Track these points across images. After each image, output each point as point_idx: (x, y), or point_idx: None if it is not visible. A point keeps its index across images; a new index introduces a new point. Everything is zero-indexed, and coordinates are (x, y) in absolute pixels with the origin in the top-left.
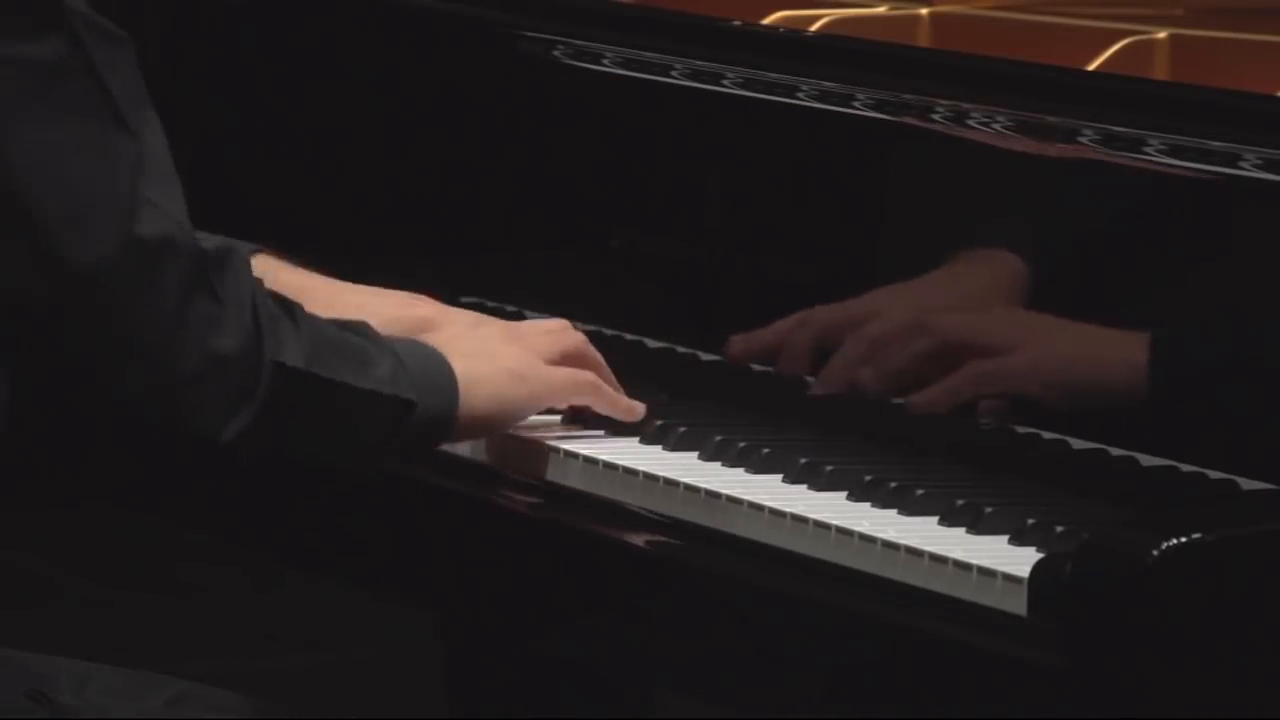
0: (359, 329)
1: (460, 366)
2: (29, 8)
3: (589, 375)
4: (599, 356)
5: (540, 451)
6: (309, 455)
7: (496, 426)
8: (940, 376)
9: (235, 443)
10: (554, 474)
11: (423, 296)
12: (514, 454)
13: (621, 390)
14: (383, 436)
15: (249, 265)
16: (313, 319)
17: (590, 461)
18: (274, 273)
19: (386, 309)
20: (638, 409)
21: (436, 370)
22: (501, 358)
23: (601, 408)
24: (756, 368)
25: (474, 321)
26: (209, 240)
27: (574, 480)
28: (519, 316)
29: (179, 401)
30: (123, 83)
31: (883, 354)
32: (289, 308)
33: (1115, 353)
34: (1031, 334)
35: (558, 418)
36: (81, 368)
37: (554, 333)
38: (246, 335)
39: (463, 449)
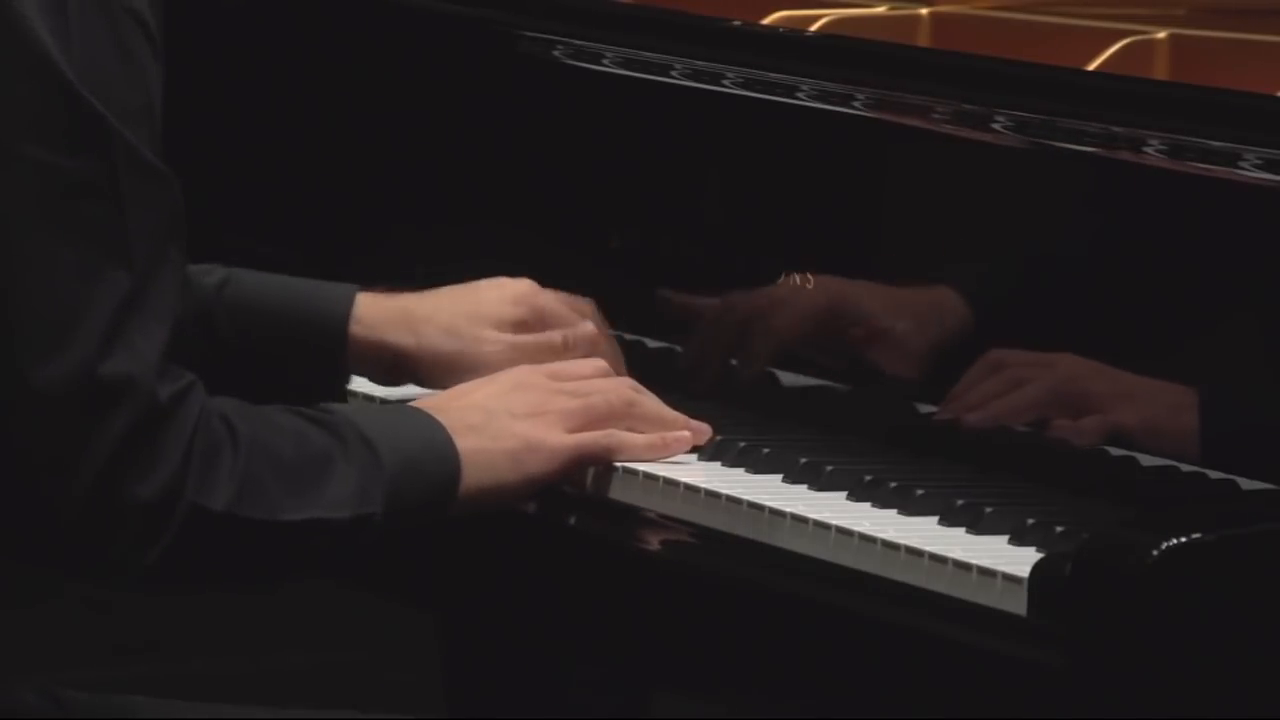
0: (330, 425)
1: (461, 445)
2: (78, 123)
3: (601, 439)
4: (653, 408)
5: None
6: (259, 578)
7: (487, 508)
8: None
9: (151, 572)
10: None
11: (522, 287)
12: None
13: (682, 426)
14: (344, 548)
15: (199, 403)
16: (265, 444)
17: None
18: (374, 304)
19: (497, 305)
20: (671, 443)
21: (429, 458)
22: (506, 437)
23: (627, 457)
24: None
25: (514, 384)
26: (174, 378)
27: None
28: None
29: (87, 531)
30: (145, 218)
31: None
32: (235, 438)
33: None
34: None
35: None
36: (16, 472)
37: (591, 397)
38: (169, 481)
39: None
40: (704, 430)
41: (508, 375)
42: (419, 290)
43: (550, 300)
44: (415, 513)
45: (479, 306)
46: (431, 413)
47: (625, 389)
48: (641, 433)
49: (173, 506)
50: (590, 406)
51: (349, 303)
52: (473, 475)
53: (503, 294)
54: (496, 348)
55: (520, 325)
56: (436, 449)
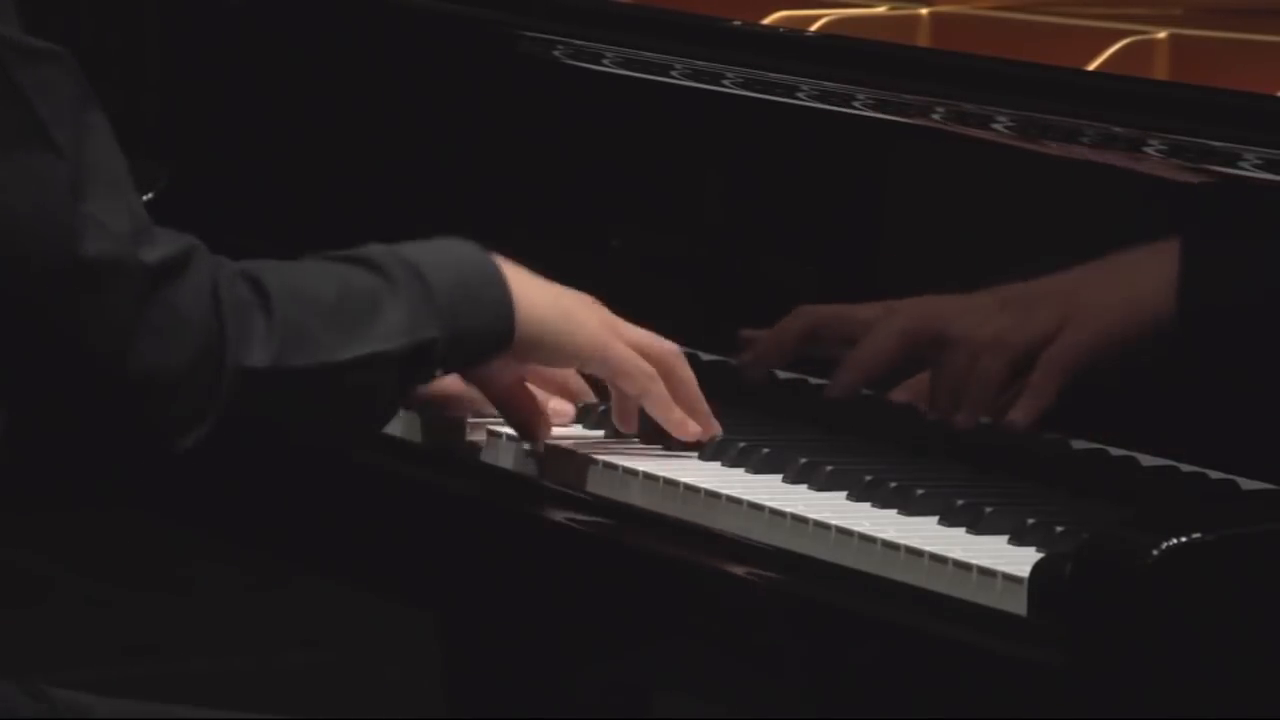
0: (372, 263)
1: (515, 284)
2: None
3: (647, 368)
4: (690, 383)
5: (527, 446)
6: (324, 429)
7: (529, 359)
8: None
9: (202, 447)
10: (544, 471)
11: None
12: (513, 453)
13: (702, 412)
14: (408, 380)
15: (208, 265)
16: (300, 290)
17: (589, 461)
18: None
19: None
20: (691, 427)
21: (481, 284)
22: (565, 298)
23: (649, 406)
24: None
25: (576, 295)
26: (166, 243)
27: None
28: None
29: (133, 413)
30: (53, 101)
31: (975, 387)
32: (264, 295)
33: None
34: (1068, 308)
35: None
36: (38, 384)
37: (646, 334)
38: (202, 345)
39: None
40: (716, 430)
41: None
42: None
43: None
44: (477, 340)
45: None
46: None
47: (678, 352)
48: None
49: (214, 372)
50: (647, 337)
51: None
52: (526, 312)
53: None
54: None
55: None
56: (486, 273)
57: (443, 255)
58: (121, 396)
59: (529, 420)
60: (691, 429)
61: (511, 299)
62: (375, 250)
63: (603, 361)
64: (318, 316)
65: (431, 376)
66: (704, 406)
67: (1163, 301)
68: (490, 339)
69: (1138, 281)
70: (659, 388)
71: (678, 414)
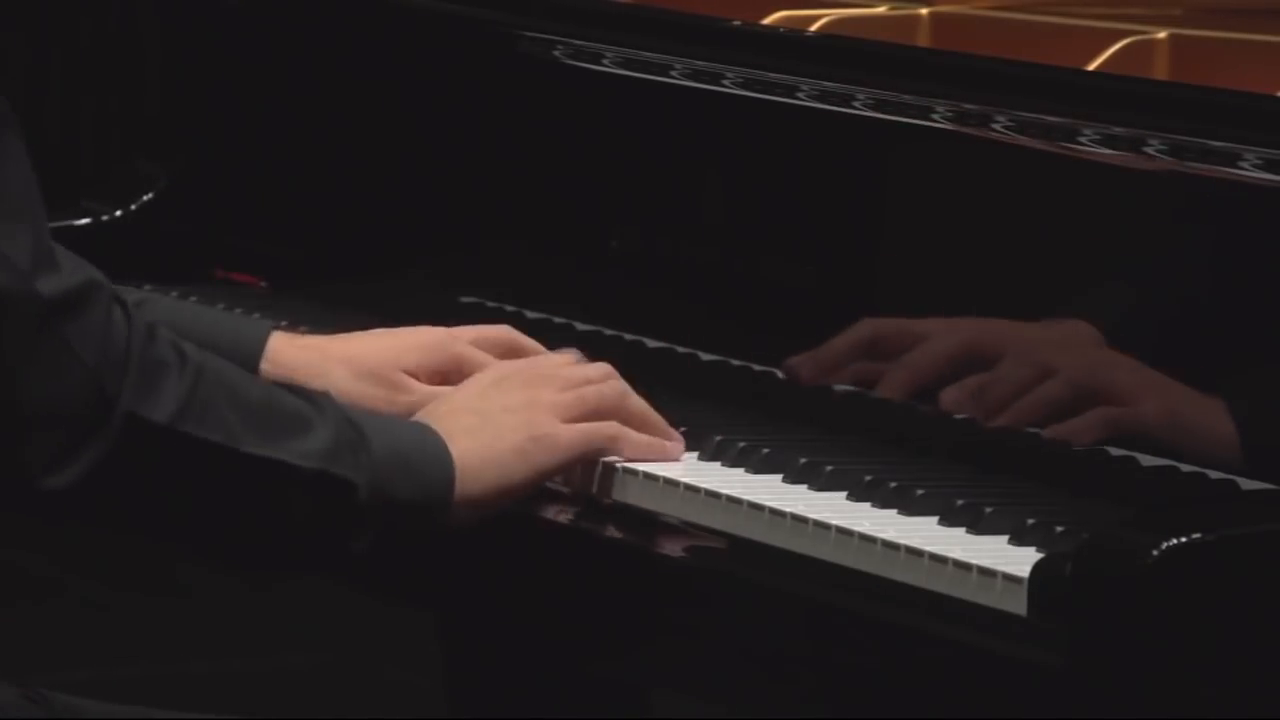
0: (312, 397)
1: (459, 448)
2: None
3: (605, 429)
4: (640, 406)
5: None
6: (201, 532)
7: (497, 509)
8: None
9: (71, 494)
10: None
11: (460, 330)
12: None
13: (665, 432)
14: (309, 519)
15: (116, 309)
16: (225, 376)
17: (589, 462)
18: (288, 344)
19: (398, 344)
20: (671, 448)
21: (422, 455)
22: (508, 432)
23: (629, 454)
24: (756, 368)
25: (495, 380)
26: (67, 275)
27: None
28: (519, 317)
29: (6, 442)
30: None
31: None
32: (184, 360)
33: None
34: (1140, 379)
35: None
36: None
37: (582, 388)
38: (90, 382)
39: None
40: (680, 444)
41: (486, 374)
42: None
43: (466, 347)
44: (409, 512)
45: (397, 354)
46: (420, 418)
47: (615, 381)
48: (631, 426)
49: (102, 413)
50: (582, 397)
51: (262, 340)
52: (481, 477)
53: (420, 340)
54: (412, 397)
55: (437, 375)
56: (429, 449)
57: (393, 425)
58: (7, 433)
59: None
60: (672, 450)
61: (453, 473)
62: (321, 393)
63: (568, 464)
64: (234, 404)
65: (362, 536)
66: (661, 421)
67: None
68: (429, 510)
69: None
70: (629, 440)
71: (655, 448)
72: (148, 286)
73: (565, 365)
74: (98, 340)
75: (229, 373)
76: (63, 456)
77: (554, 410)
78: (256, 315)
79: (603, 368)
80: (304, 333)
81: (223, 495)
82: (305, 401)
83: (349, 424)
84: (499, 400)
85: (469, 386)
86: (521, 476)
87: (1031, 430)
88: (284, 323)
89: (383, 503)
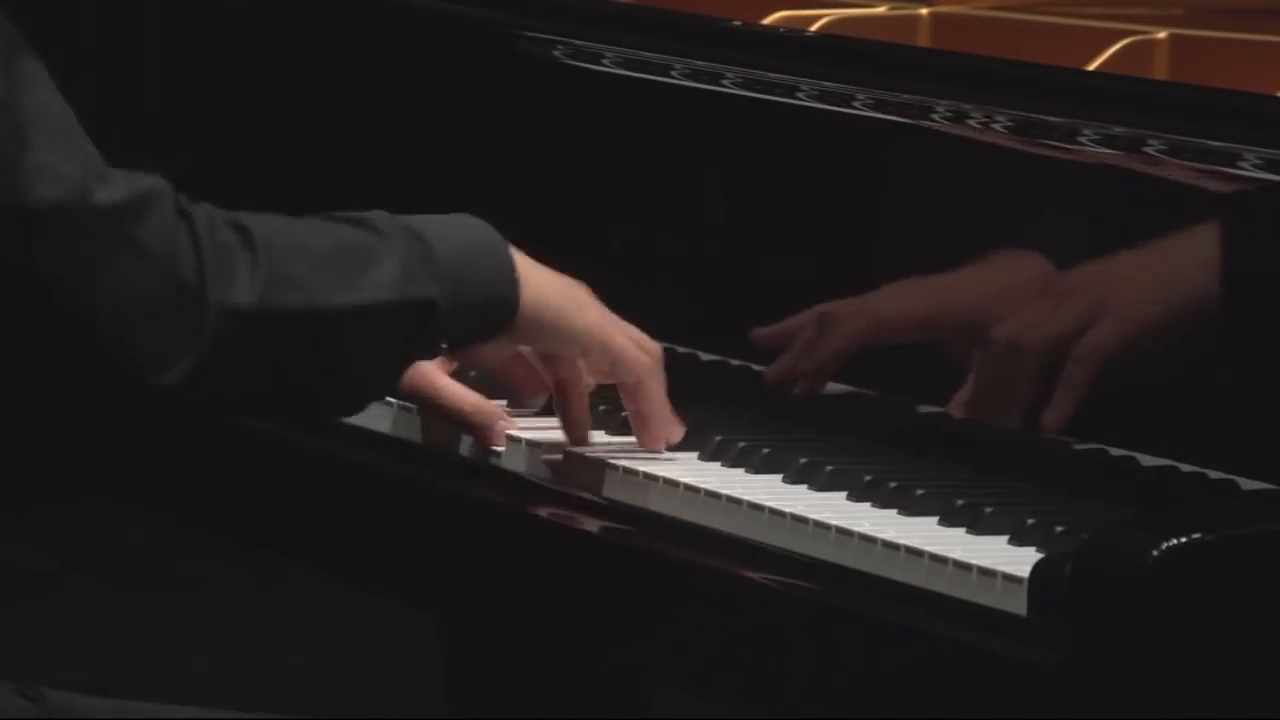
0: (367, 222)
1: (520, 261)
2: None
3: (647, 360)
4: (664, 389)
5: (526, 446)
6: (320, 384)
7: (534, 339)
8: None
9: (187, 388)
10: (543, 470)
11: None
12: (511, 453)
13: (672, 420)
14: (409, 345)
15: (172, 203)
16: (288, 236)
17: (588, 461)
18: None
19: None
20: (673, 435)
21: (487, 254)
22: (570, 285)
23: (643, 400)
24: (756, 368)
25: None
26: (123, 184)
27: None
28: None
29: (108, 351)
30: None
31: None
32: (248, 237)
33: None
34: (1099, 299)
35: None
36: (12, 332)
37: (639, 332)
38: (180, 283)
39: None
40: (678, 429)
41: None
42: None
43: (627, 341)
44: (481, 310)
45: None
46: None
47: (656, 365)
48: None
49: (195, 309)
50: (641, 339)
51: None
52: (530, 291)
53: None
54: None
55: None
56: (490, 244)
57: (447, 225)
58: (93, 336)
59: (525, 387)
60: (674, 436)
61: (516, 272)
62: (376, 214)
63: (604, 348)
64: (306, 262)
65: (436, 348)
66: (673, 413)
67: (1189, 295)
68: (494, 310)
69: (1164, 273)
70: (654, 383)
71: (666, 412)
72: None
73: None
74: (167, 240)
75: (289, 230)
76: (169, 354)
77: (616, 323)
78: None
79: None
80: None
81: (319, 349)
82: (366, 231)
83: (413, 237)
84: (577, 284)
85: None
86: (570, 317)
87: (1031, 431)
88: None
89: (458, 304)
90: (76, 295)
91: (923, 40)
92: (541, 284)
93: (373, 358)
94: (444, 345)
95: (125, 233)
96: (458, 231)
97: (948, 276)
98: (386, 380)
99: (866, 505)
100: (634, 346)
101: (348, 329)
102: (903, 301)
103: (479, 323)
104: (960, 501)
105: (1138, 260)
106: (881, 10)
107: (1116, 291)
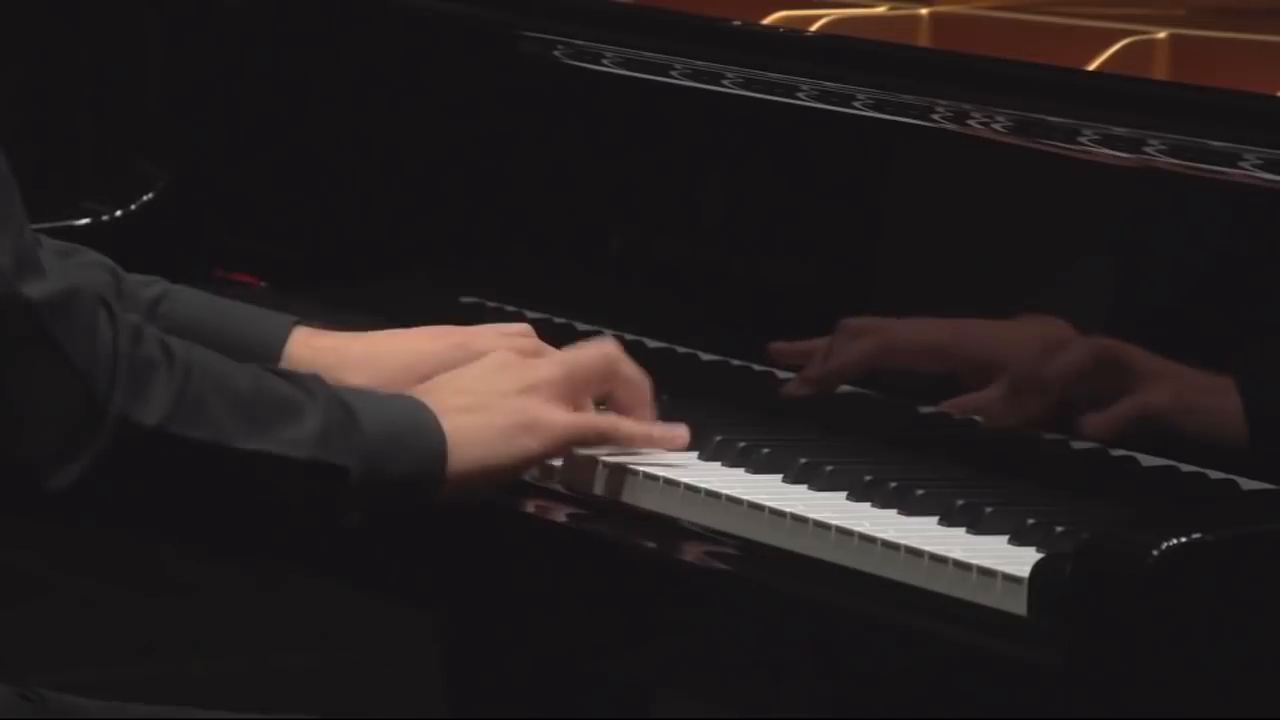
0: (299, 380)
1: (452, 425)
2: None
3: (598, 421)
4: (634, 377)
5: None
6: (199, 526)
7: (485, 487)
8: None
9: (74, 494)
10: (543, 471)
11: (480, 329)
12: None
13: (645, 395)
14: (303, 504)
15: (102, 312)
16: (213, 370)
17: (589, 462)
18: (307, 341)
19: (417, 345)
20: (663, 438)
21: (414, 431)
22: (499, 416)
23: (624, 444)
24: (756, 368)
25: (493, 364)
26: (53, 280)
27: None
28: (519, 317)
29: (3, 445)
30: None
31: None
32: (171, 358)
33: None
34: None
35: None
36: None
37: (573, 366)
38: (86, 387)
39: None
40: (681, 433)
41: (487, 359)
42: (361, 329)
43: (487, 341)
44: (400, 488)
45: (417, 356)
46: (416, 395)
47: (608, 347)
48: (623, 399)
49: (94, 416)
50: (573, 373)
51: (283, 336)
52: (465, 453)
53: (439, 341)
54: None
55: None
56: (421, 424)
57: (380, 401)
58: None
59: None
60: (680, 438)
61: (445, 448)
62: (309, 375)
63: (558, 451)
64: (223, 398)
65: (345, 518)
66: (646, 393)
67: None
68: (417, 486)
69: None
70: (623, 431)
71: (656, 434)
72: None
73: (565, 356)
74: (86, 343)
75: (217, 365)
76: (60, 458)
77: (549, 391)
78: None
79: (602, 348)
80: (320, 328)
81: (218, 490)
82: (295, 387)
83: (339, 405)
84: (495, 383)
85: (468, 369)
86: (510, 459)
87: (1031, 431)
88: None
89: (375, 481)
90: None
91: (923, 40)
92: (472, 442)
93: (272, 511)
94: (356, 517)
95: (44, 329)
96: (386, 406)
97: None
98: (291, 531)
99: (866, 505)
100: (578, 429)
101: (251, 475)
102: (918, 331)
103: (398, 498)
104: (960, 501)
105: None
106: (881, 10)
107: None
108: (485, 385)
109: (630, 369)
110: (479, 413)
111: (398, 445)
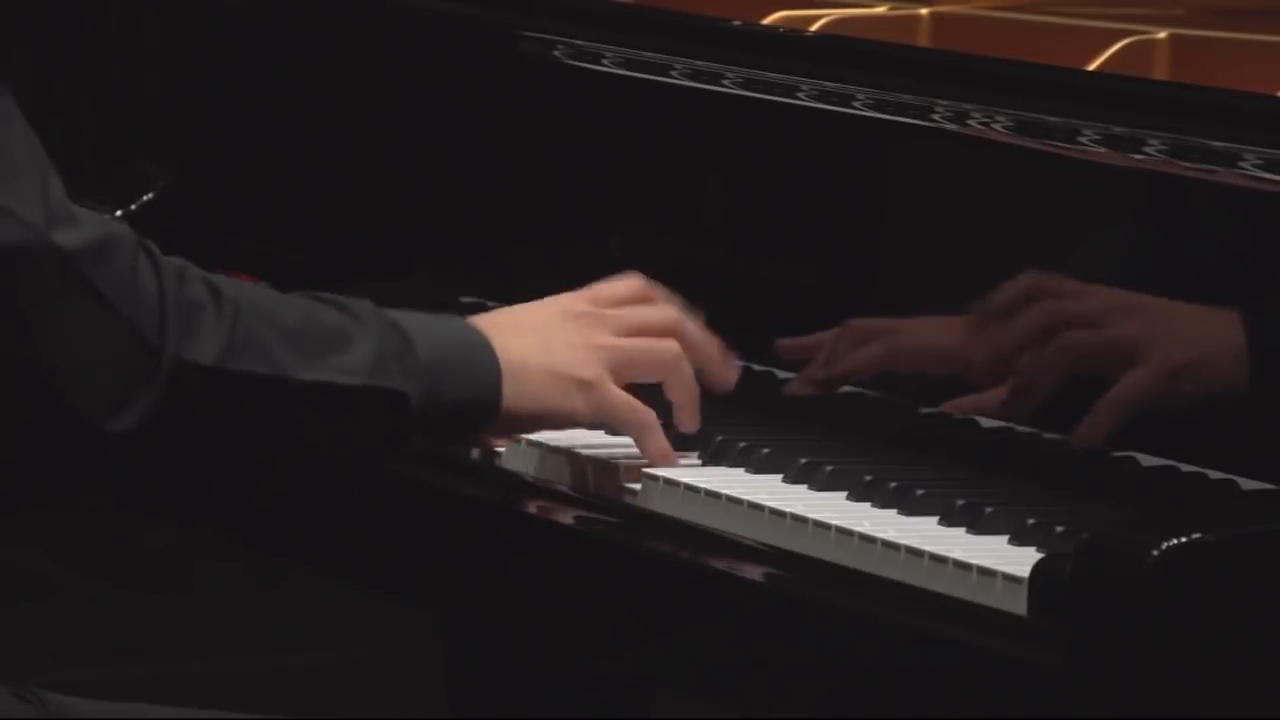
0: (348, 308)
1: (511, 359)
2: None
3: (641, 415)
4: (688, 380)
5: (526, 446)
6: (269, 449)
7: (526, 430)
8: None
9: (137, 435)
10: (544, 470)
11: (599, 290)
12: (512, 454)
13: (721, 370)
14: (365, 431)
15: (143, 257)
16: (261, 305)
17: (588, 461)
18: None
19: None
20: (672, 459)
21: (469, 355)
22: (560, 364)
23: (647, 451)
24: (757, 368)
25: (562, 311)
26: (87, 226)
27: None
28: None
29: (59, 396)
30: None
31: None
32: (218, 297)
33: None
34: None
35: None
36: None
37: (637, 342)
38: (135, 330)
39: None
40: (734, 373)
41: (556, 301)
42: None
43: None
44: (457, 414)
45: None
46: (479, 324)
47: (672, 311)
48: (675, 395)
49: (148, 358)
50: (632, 357)
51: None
52: (518, 390)
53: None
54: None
55: None
56: (476, 350)
57: (431, 323)
58: (45, 380)
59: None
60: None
61: (500, 373)
62: (360, 302)
63: (606, 417)
64: (274, 331)
65: (409, 443)
66: (719, 350)
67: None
68: (474, 410)
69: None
70: (648, 442)
71: (672, 459)
72: None
73: (628, 294)
74: (128, 288)
75: (265, 300)
76: (120, 403)
77: (609, 358)
78: None
79: (667, 314)
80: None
81: (277, 423)
82: (345, 315)
83: (393, 331)
84: (561, 331)
85: (538, 307)
86: (557, 410)
87: (1032, 429)
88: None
89: (433, 405)
90: (26, 336)
91: (923, 40)
92: (527, 379)
93: (335, 440)
94: (420, 440)
95: (83, 276)
96: (441, 330)
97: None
98: (380, 452)
99: (866, 505)
100: (625, 407)
101: (309, 405)
102: (924, 335)
103: (458, 422)
104: (960, 501)
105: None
106: (881, 10)
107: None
108: (550, 330)
109: (686, 373)
110: (539, 355)
111: (453, 370)
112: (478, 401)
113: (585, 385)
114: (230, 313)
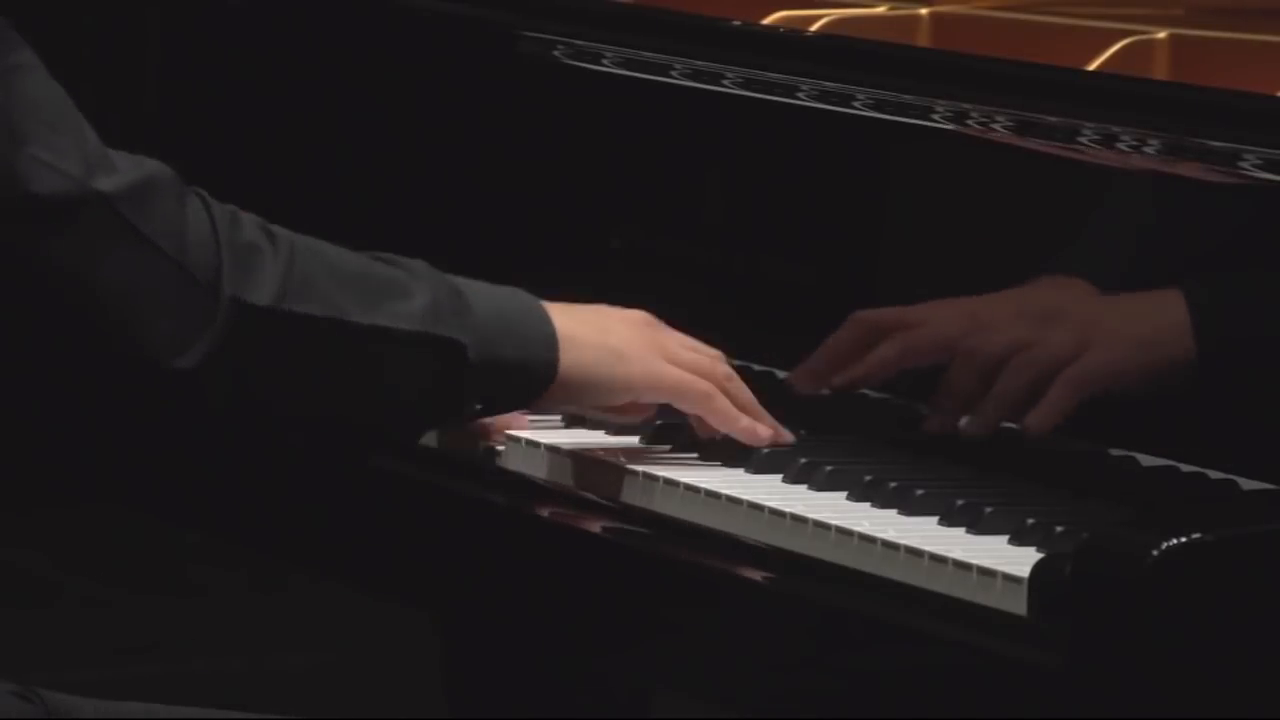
0: (403, 263)
1: (563, 327)
2: None
3: (704, 385)
4: (744, 392)
5: (526, 446)
6: (326, 403)
7: (581, 399)
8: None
9: (200, 374)
10: (543, 470)
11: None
12: (513, 454)
13: (766, 418)
14: (422, 381)
15: (192, 199)
16: (316, 251)
17: (588, 462)
18: None
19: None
20: (761, 433)
21: (524, 317)
22: (612, 333)
23: (715, 422)
24: (757, 368)
25: (631, 319)
26: (126, 170)
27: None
28: None
29: (118, 338)
30: None
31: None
32: (273, 240)
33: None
34: (1093, 327)
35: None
36: (26, 323)
37: (694, 349)
38: (189, 271)
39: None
40: (786, 437)
41: (624, 311)
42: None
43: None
44: (515, 374)
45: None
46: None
47: (724, 364)
48: (706, 427)
49: (206, 296)
50: (696, 361)
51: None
52: (574, 356)
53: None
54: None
55: None
56: (531, 312)
57: (486, 286)
58: (99, 325)
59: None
60: (762, 433)
61: (556, 336)
62: (415, 261)
63: (654, 393)
64: (331, 277)
65: (467, 405)
66: (765, 413)
67: (1182, 332)
68: (531, 372)
69: (1157, 311)
70: (719, 403)
71: (744, 422)
72: None
73: (681, 336)
74: (174, 228)
75: (321, 246)
76: (180, 340)
77: (660, 347)
78: None
79: (720, 363)
80: None
81: (336, 366)
82: (400, 270)
83: (448, 288)
84: (616, 320)
85: (599, 308)
86: (610, 376)
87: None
88: None
89: (490, 362)
90: (80, 284)
91: (923, 40)
92: (585, 345)
93: (395, 388)
94: (477, 405)
95: (127, 220)
96: (496, 293)
97: (982, 300)
98: (410, 420)
99: (866, 505)
100: (686, 380)
101: (369, 349)
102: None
103: (515, 384)
104: (960, 501)
105: (1124, 301)
106: (881, 10)
107: (1103, 325)
108: (605, 317)
109: (744, 391)
110: (594, 330)
111: (511, 329)
112: (535, 362)
113: (640, 358)
114: (286, 254)
